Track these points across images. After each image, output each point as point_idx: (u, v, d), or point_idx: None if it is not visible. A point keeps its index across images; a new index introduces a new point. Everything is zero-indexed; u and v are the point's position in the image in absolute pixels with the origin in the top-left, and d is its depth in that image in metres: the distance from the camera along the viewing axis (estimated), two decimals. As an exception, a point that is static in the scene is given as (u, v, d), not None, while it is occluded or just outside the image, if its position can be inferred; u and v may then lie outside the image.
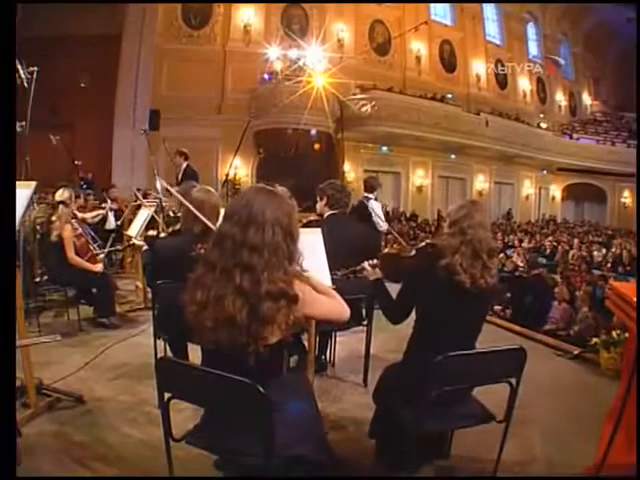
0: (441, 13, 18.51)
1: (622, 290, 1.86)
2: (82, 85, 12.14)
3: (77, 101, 12.40)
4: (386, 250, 2.59)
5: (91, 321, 4.13)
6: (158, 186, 4.50)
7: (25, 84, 4.25)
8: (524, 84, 20.52)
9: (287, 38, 15.24)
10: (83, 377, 3.03)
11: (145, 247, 3.65)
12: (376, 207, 5.31)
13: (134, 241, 4.64)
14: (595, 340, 3.70)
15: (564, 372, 3.55)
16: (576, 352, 3.80)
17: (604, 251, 10.32)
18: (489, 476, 2.00)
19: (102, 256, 4.35)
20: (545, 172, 20.42)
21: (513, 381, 1.83)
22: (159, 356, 2.55)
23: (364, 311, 3.01)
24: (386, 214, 10.49)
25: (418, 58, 17.69)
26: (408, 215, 16.33)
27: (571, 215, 21.39)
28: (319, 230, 2.46)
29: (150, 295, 3.63)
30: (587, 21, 21.53)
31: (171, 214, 4.22)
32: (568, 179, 21.03)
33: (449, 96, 17.29)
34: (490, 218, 15.39)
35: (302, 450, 1.52)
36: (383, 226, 5.28)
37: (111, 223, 6.05)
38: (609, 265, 9.24)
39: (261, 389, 1.36)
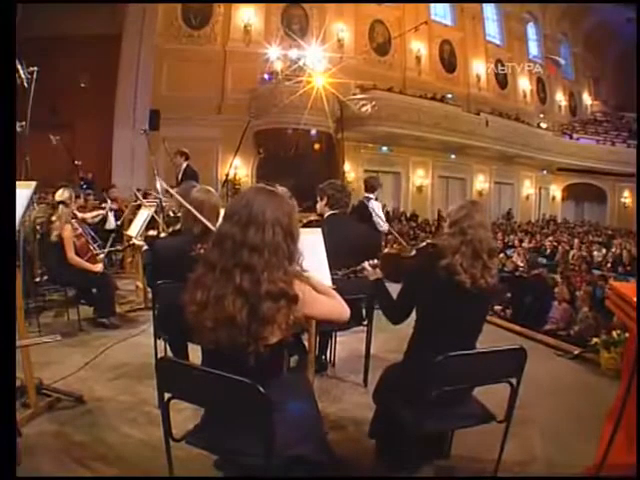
0: (441, 13, 18.51)
1: (622, 290, 1.86)
2: (82, 85, 12.13)
3: (77, 101, 12.39)
4: (386, 250, 2.59)
5: (91, 321, 4.13)
6: (158, 187, 4.50)
7: (25, 84, 4.25)
8: (524, 84, 20.52)
9: (287, 38, 15.24)
10: (83, 377, 3.03)
11: (145, 247, 3.64)
12: (376, 207, 5.30)
13: (134, 241, 4.64)
14: (595, 340, 3.70)
15: (564, 372, 3.54)
16: (576, 352, 3.80)
17: (604, 251, 10.32)
18: (489, 476, 2.00)
19: (102, 256, 4.35)
20: (545, 172, 20.43)
21: (513, 381, 1.83)
22: (159, 356, 2.55)
23: (364, 311, 3.01)
24: (386, 214, 10.49)
25: (418, 58, 17.69)
26: (408, 215, 16.34)
27: (571, 215, 21.40)
28: (319, 230, 2.46)
29: (150, 295, 3.64)
30: (587, 21, 21.53)
31: (171, 214, 4.22)
32: (568, 179, 21.04)
33: (449, 96, 17.29)
34: (490, 218, 15.38)
35: (302, 450, 1.52)
36: (384, 226, 5.27)
37: (111, 223, 6.04)
38: (609, 265, 9.25)
39: (261, 389, 1.36)
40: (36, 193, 3.08)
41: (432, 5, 17.90)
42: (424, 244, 2.21)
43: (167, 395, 1.57)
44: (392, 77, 16.78)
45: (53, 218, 3.95)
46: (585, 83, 23.27)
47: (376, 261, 2.26)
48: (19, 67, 4.19)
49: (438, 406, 1.73)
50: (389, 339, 3.23)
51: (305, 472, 1.57)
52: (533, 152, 18.64)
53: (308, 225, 3.13)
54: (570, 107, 22.58)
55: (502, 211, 19.24)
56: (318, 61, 13.70)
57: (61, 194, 4.04)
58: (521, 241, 11.53)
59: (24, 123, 4.15)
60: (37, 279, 4.37)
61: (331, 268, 2.36)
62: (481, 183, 18.74)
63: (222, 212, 1.65)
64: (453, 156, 17.64)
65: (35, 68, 4.29)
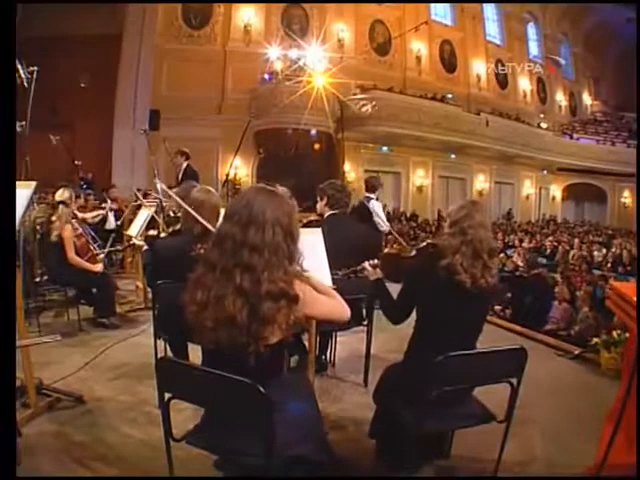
0: (441, 13, 18.51)
1: (622, 290, 1.86)
2: (82, 85, 12.13)
3: (77, 101, 12.39)
4: (387, 250, 2.59)
5: (91, 321, 4.13)
6: (158, 187, 4.50)
7: (25, 84, 4.25)
8: (524, 84, 20.52)
9: (287, 38, 15.23)
10: (83, 377, 3.03)
11: (145, 247, 3.64)
12: (377, 207, 5.29)
13: (134, 241, 4.64)
14: (595, 340, 3.70)
15: (565, 372, 3.54)
16: (577, 352, 3.80)
17: (604, 251, 10.32)
18: (489, 476, 2.00)
19: (102, 256, 4.34)
20: (545, 172, 20.43)
21: (514, 381, 1.83)
22: (159, 356, 2.55)
23: (365, 311, 3.01)
24: (387, 214, 10.48)
25: (418, 58, 17.69)
26: (408, 215, 16.33)
27: (571, 215, 21.40)
28: (319, 230, 2.46)
29: (150, 295, 3.63)
30: (587, 21, 21.53)
31: (171, 214, 4.22)
32: (568, 179, 21.04)
33: (449, 96, 17.28)
34: (490, 218, 15.38)
35: (302, 450, 1.52)
36: (384, 227, 5.26)
37: (111, 223, 6.04)
38: (609, 265, 9.25)
39: (261, 389, 1.36)
40: (36, 193, 3.08)
41: (432, 5, 17.90)
42: (424, 244, 2.22)
43: (167, 395, 1.57)
44: (392, 77, 16.77)
45: (53, 218, 3.95)
46: (585, 83, 23.28)
47: (376, 261, 2.26)
48: (19, 67, 4.19)
49: (438, 406, 1.73)
50: (389, 339, 3.23)
51: (305, 472, 1.57)
52: (533, 152, 18.64)
53: (308, 225, 3.13)
54: (570, 107, 22.58)
55: (502, 211, 19.24)
56: (318, 61, 13.70)
57: (61, 194, 4.04)
58: (521, 241, 11.53)
59: (24, 123, 4.14)
60: (37, 279, 4.36)
61: (331, 268, 2.36)
62: (481, 183, 18.73)
63: (222, 212, 1.65)
64: (453, 156, 17.63)
65: (35, 68, 4.29)
